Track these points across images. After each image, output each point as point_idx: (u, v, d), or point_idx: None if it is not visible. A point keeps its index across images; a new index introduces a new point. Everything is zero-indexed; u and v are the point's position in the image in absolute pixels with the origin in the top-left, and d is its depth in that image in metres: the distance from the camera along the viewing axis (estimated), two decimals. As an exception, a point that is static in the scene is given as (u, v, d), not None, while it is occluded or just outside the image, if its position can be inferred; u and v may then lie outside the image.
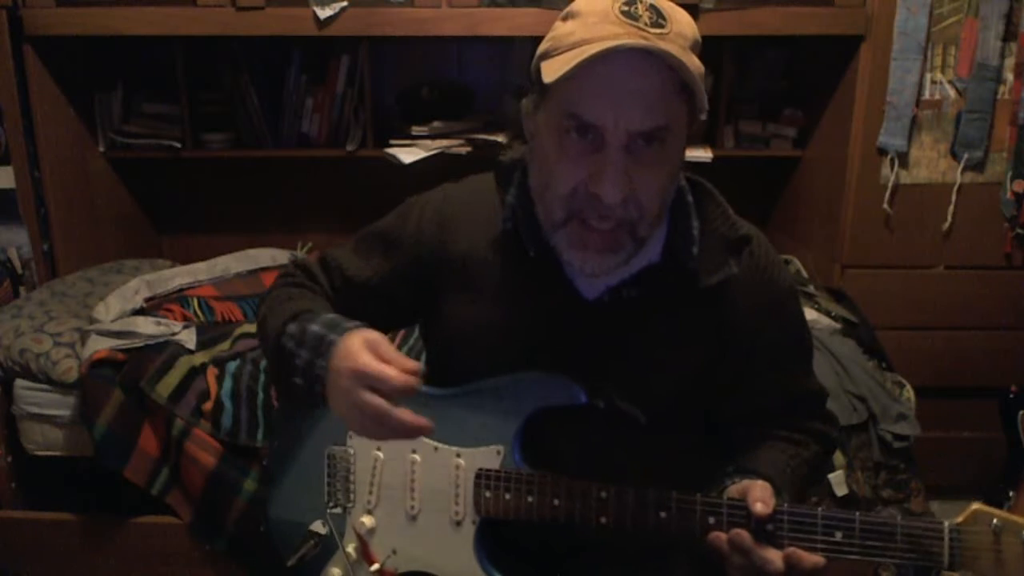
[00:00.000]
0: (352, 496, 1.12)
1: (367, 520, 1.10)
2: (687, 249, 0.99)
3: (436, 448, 1.07)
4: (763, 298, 1.04)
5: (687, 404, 1.05)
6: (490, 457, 1.04)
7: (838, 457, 1.89)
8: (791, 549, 0.89)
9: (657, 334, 1.02)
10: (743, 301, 1.03)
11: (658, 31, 0.85)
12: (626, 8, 0.86)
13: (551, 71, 0.86)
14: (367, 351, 0.89)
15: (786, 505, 0.92)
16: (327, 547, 1.13)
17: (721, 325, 1.03)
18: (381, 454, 1.10)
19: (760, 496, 0.92)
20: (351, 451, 1.12)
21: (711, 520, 0.93)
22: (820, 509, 0.91)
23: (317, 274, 1.15)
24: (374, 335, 0.92)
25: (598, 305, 1.02)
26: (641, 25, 0.85)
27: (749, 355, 1.05)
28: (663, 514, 0.95)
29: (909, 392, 2.04)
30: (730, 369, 1.05)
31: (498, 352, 1.04)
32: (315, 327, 0.96)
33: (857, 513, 0.90)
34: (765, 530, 0.91)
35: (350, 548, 1.11)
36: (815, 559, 0.89)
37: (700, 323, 1.02)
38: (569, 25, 0.89)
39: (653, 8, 0.87)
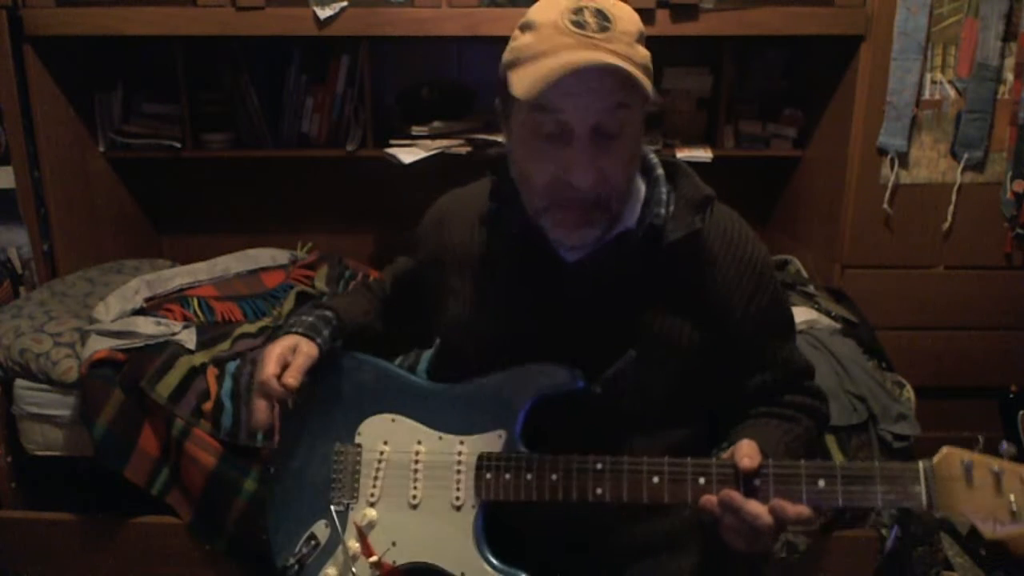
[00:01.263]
0: (356, 491, 1.13)
1: (368, 513, 1.11)
2: (656, 211, 1.07)
3: (440, 437, 1.11)
4: (736, 270, 1.08)
5: (674, 373, 1.08)
6: (492, 441, 1.07)
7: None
8: (776, 501, 0.93)
9: (636, 296, 1.08)
10: (718, 272, 1.08)
11: (604, 35, 0.94)
12: (574, 18, 0.95)
13: (520, 86, 0.95)
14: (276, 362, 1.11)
15: (771, 460, 0.96)
16: (327, 547, 1.13)
17: (697, 292, 1.08)
18: (387, 447, 1.13)
19: (747, 452, 0.96)
20: (359, 447, 1.14)
21: (701, 481, 0.97)
22: (803, 461, 0.95)
23: (386, 272, 1.35)
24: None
25: (579, 269, 1.09)
26: (589, 33, 0.94)
27: (729, 326, 1.08)
28: (656, 479, 0.98)
29: (909, 392, 2.04)
30: (711, 340, 1.08)
31: (492, 324, 1.12)
32: (307, 317, 1.20)
33: (838, 462, 0.95)
34: (753, 485, 0.94)
35: (351, 542, 1.12)
36: (799, 508, 0.92)
37: (677, 288, 1.08)
38: (527, 37, 0.97)
39: (598, 12, 0.95)
